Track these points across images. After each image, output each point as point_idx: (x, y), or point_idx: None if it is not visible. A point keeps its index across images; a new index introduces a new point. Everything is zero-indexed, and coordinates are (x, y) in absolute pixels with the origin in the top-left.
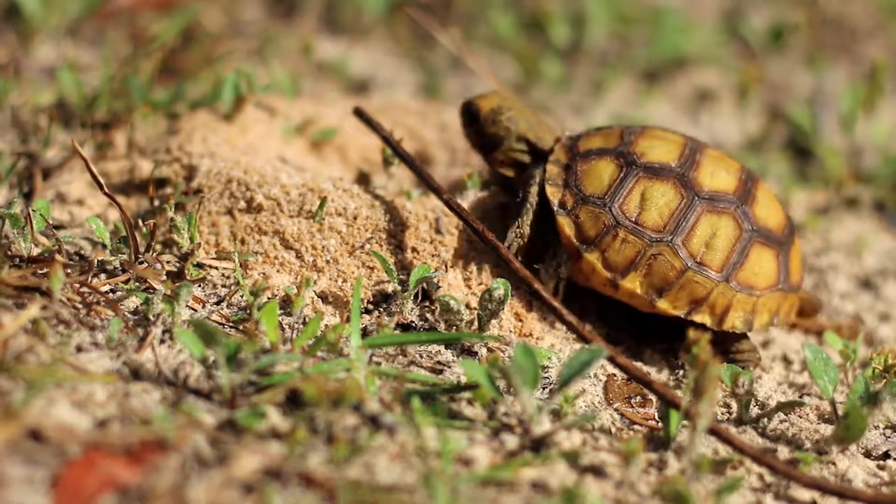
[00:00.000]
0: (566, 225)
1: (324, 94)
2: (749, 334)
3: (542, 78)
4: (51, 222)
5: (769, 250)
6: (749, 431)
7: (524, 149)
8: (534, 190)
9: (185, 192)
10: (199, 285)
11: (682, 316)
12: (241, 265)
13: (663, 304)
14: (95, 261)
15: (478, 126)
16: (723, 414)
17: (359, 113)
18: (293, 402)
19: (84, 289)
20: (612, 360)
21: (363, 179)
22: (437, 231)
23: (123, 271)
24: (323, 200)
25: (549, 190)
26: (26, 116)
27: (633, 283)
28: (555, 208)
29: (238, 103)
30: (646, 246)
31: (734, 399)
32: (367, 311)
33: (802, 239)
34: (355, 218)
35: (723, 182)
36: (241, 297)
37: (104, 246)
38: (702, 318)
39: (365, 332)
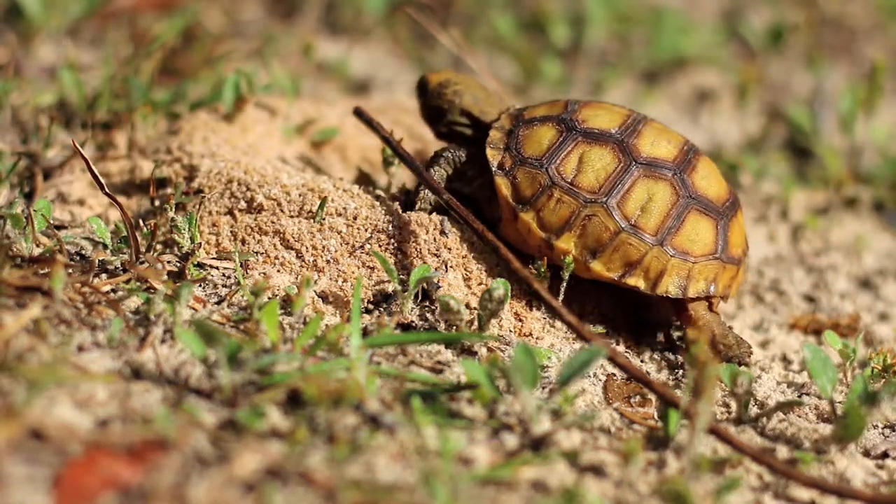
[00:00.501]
0: (503, 185)
1: (324, 95)
2: (750, 338)
3: (542, 78)
4: (52, 222)
5: (707, 219)
6: (748, 431)
7: (466, 122)
8: (449, 155)
9: (185, 192)
10: (200, 285)
11: (616, 279)
12: (241, 265)
13: (597, 266)
14: (96, 261)
15: (426, 98)
16: (722, 413)
17: (359, 113)
18: (294, 401)
19: (85, 289)
20: (611, 359)
21: (363, 179)
22: (442, 232)
23: (124, 271)
24: (323, 200)
25: (489, 152)
26: (27, 116)
27: (567, 244)
28: (493, 169)
29: (238, 103)
30: (580, 206)
31: (733, 399)
32: (368, 311)
33: (802, 239)
34: (355, 218)
35: (663, 151)
36: (242, 296)
37: (105, 246)
38: (635, 281)
39: (365, 332)
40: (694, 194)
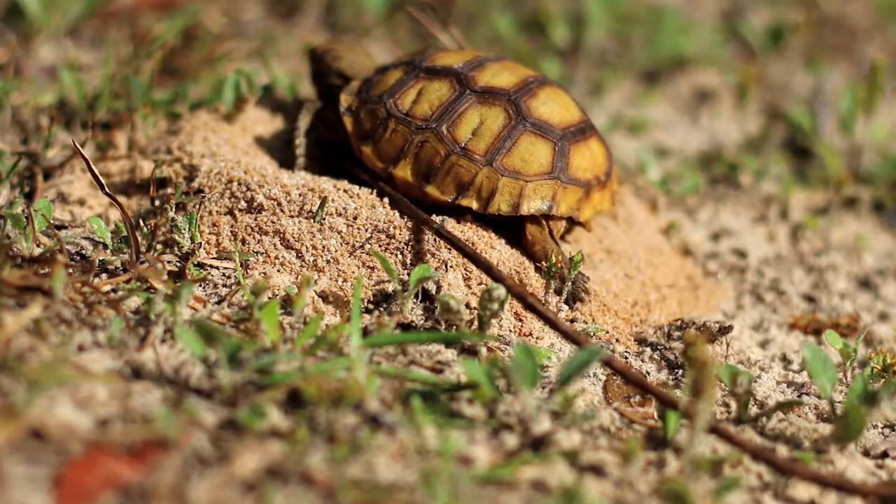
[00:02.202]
0: (348, 122)
1: None
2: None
3: None
4: (52, 222)
5: (544, 141)
6: (748, 431)
7: (339, 83)
8: (311, 106)
9: (185, 192)
10: (200, 285)
11: (451, 201)
12: (241, 265)
13: (432, 190)
14: (97, 261)
15: (312, 65)
16: (722, 413)
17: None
18: (294, 401)
19: (85, 288)
20: (608, 364)
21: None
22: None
23: (125, 271)
24: (323, 200)
25: (342, 97)
26: (27, 116)
27: (404, 172)
28: (342, 110)
29: (239, 103)
30: (412, 134)
31: (733, 398)
32: (368, 311)
33: (802, 239)
34: (356, 218)
35: (502, 81)
36: (242, 296)
37: (105, 246)
38: (469, 202)
39: (365, 332)
40: (529, 118)
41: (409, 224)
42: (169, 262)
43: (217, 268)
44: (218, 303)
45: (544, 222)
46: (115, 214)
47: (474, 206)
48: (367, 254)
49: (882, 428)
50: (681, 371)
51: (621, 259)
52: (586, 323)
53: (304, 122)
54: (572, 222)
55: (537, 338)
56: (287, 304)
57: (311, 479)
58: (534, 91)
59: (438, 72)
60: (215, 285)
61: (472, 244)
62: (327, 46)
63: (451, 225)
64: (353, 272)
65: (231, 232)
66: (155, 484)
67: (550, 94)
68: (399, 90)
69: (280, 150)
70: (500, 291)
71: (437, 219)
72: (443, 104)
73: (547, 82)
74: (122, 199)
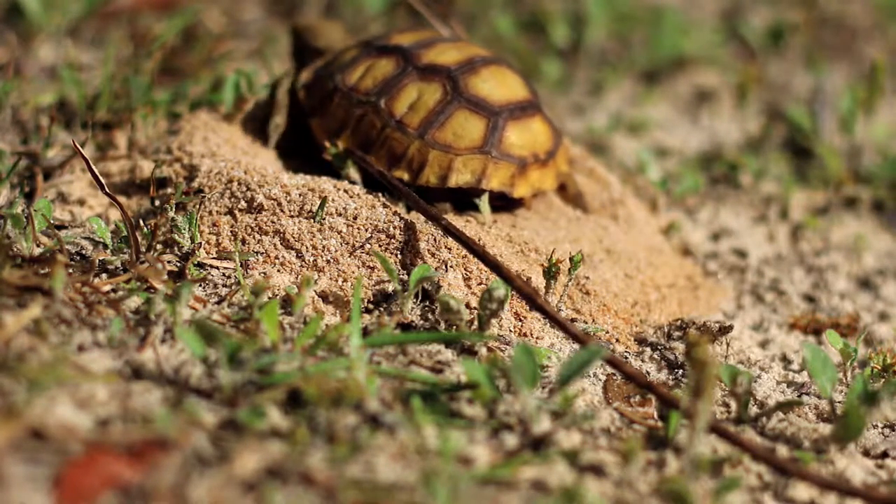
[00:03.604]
0: (302, 96)
1: None
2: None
3: (542, 78)
4: (52, 222)
5: (478, 117)
6: (748, 431)
7: (315, 60)
8: (286, 82)
9: (185, 191)
10: (200, 285)
11: (385, 172)
12: (241, 265)
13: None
14: (97, 260)
15: (293, 41)
16: (722, 413)
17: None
18: (294, 401)
19: (85, 288)
20: (610, 362)
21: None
22: (443, 232)
23: (125, 271)
24: (323, 200)
25: (302, 73)
26: (27, 116)
27: (344, 143)
28: (299, 86)
29: (239, 103)
30: (354, 107)
31: (733, 398)
32: (368, 311)
33: (802, 239)
34: (356, 218)
35: (447, 58)
36: (242, 296)
37: (105, 246)
38: (401, 173)
39: (365, 332)
40: (466, 94)
41: (410, 224)
42: (169, 262)
43: (217, 268)
44: (218, 303)
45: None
46: (115, 214)
47: (406, 177)
48: (367, 254)
49: (882, 428)
50: (681, 371)
51: (621, 259)
52: (586, 323)
53: (281, 92)
54: (507, 199)
55: (537, 338)
56: (287, 304)
57: (311, 479)
58: (476, 69)
59: (388, 50)
60: (215, 285)
61: (480, 240)
62: (307, 24)
63: (459, 223)
64: (353, 272)
65: (231, 232)
66: (155, 484)
67: (494, 73)
68: (350, 66)
69: (279, 147)
70: (500, 291)
71: (442, 207)
72: (385, 79)
73: (493, 61)
74: (122, 199)
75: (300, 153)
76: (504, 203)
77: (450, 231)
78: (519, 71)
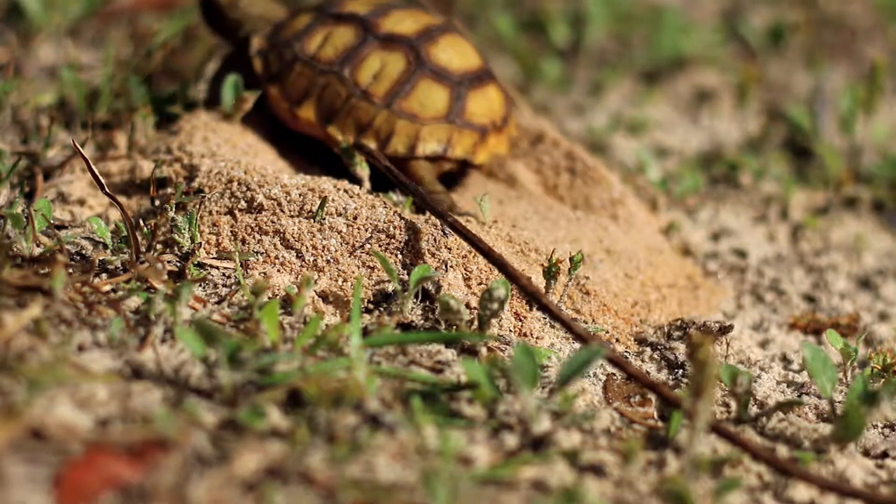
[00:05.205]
0: (258, 64)
1: None
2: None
3: (542, 78)
4: (52, 222)
5: (441, 86)
6: (748, 431)
7: (252, 29)
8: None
9: (185, 191)
10: (200, 285)
11: (351, 142)
12: (241, 265)
13: (333, 131)
14: (97, 260)
15: (218, 13)
16: (722, 413)
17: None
18: (294, 401)
19: (85, 288)
20: (612, 361)
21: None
22: (443, 232)
23: (125, 271)
24: (323, 200)
25: (253, 41)
26: (27, 116)
27: (307, 112)
28: (252, 53)
29: (239, 103)
30: (317, 76)
31: (733, 398)
32: (368, 311)
33: (802, 239)
34: (356, 218)
35: (405, 27)
36: (242, 296)
37: (105, 246)
38: (368, 141)
39: (365, 332)
40: (428, 64)
41: (410, 224)
42: (169, 262)
43: (217, 268)
44: (218, 303)
45: (436, 163)
46: (115, 214)
47: (373, 145)
48: (367, 254)
49: (882, 428)
50: (681, 371)
51: (621, 259)
52: (586, 323)
53: (226, 67)
54: (466, 164)
55: (537, 338)
56: (287, 304)
57: (311, 479)
58: (435, 38)
59: (345, 17)
60: (215, 285)
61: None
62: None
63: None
64: (353, 272)
65: (231, 232)
66: (155, 484)
67: (451, 42)
68: (306, 34)
69: (280, 148)
70: (501, 291)
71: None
72: (347, 48)
73: (448, 30)
74: (122, 199)
75: (300, 153)
76: (460, 170)
77: (456, 229)
78: (468, 38)
